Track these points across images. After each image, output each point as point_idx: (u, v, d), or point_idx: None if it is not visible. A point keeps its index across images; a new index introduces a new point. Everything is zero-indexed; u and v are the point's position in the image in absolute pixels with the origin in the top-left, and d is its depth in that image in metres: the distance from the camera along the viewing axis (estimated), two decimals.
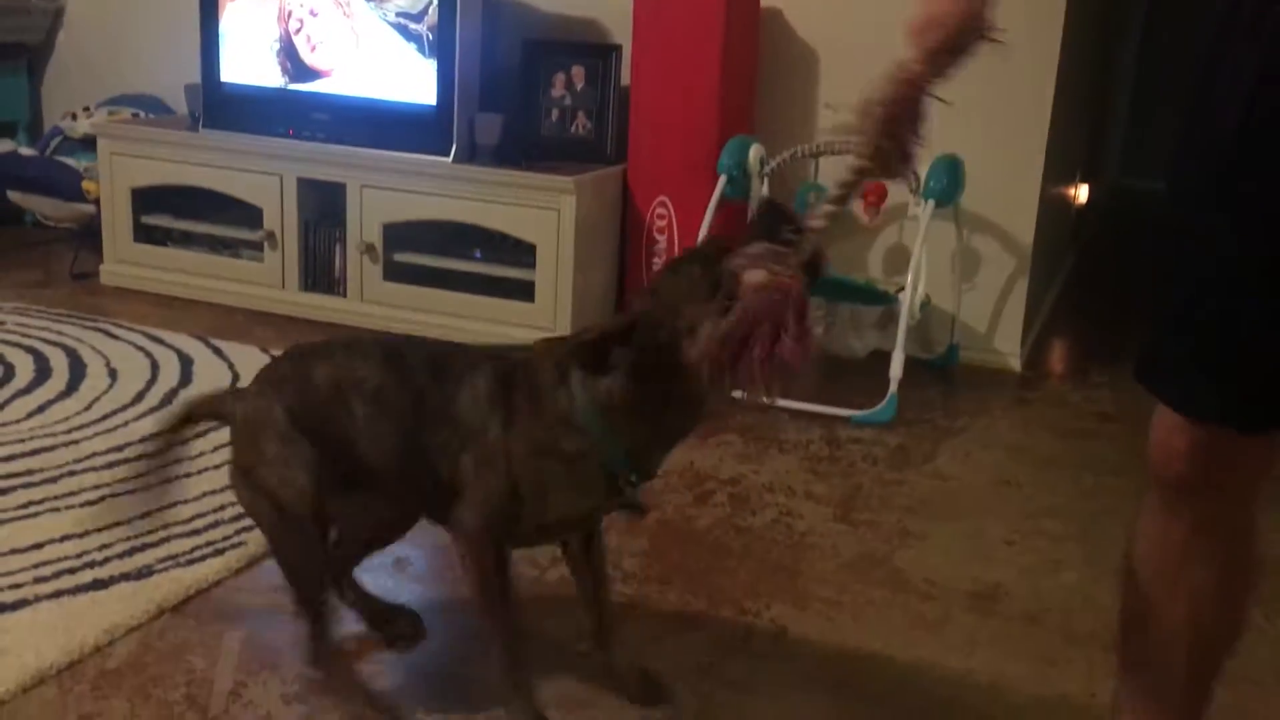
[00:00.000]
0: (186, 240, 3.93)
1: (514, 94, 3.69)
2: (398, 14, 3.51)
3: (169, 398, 2.90)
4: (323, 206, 3.68)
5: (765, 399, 1.40)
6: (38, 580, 2.00)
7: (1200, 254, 1.22)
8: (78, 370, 3.06)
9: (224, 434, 2.63)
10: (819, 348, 1.40)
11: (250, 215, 3.75)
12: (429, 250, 3.61)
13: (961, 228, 3.43)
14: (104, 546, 2.13)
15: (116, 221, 3.91)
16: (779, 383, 1.39)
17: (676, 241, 3.51)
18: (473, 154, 3.51)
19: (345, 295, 3.67)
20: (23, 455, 2.51)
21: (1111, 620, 1.92)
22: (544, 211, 3.38)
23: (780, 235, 1.43)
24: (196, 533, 2.20)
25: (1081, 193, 5.15)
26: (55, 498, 2.32)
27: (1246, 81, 1.15)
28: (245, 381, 3.03)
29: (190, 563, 2.09)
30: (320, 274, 3.72)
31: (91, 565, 2.06)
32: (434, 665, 1.89)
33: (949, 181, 3.17)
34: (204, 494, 2.36)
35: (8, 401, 2.83)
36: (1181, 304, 1.26)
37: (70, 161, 4.22)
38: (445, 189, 3.48)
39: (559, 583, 2.08)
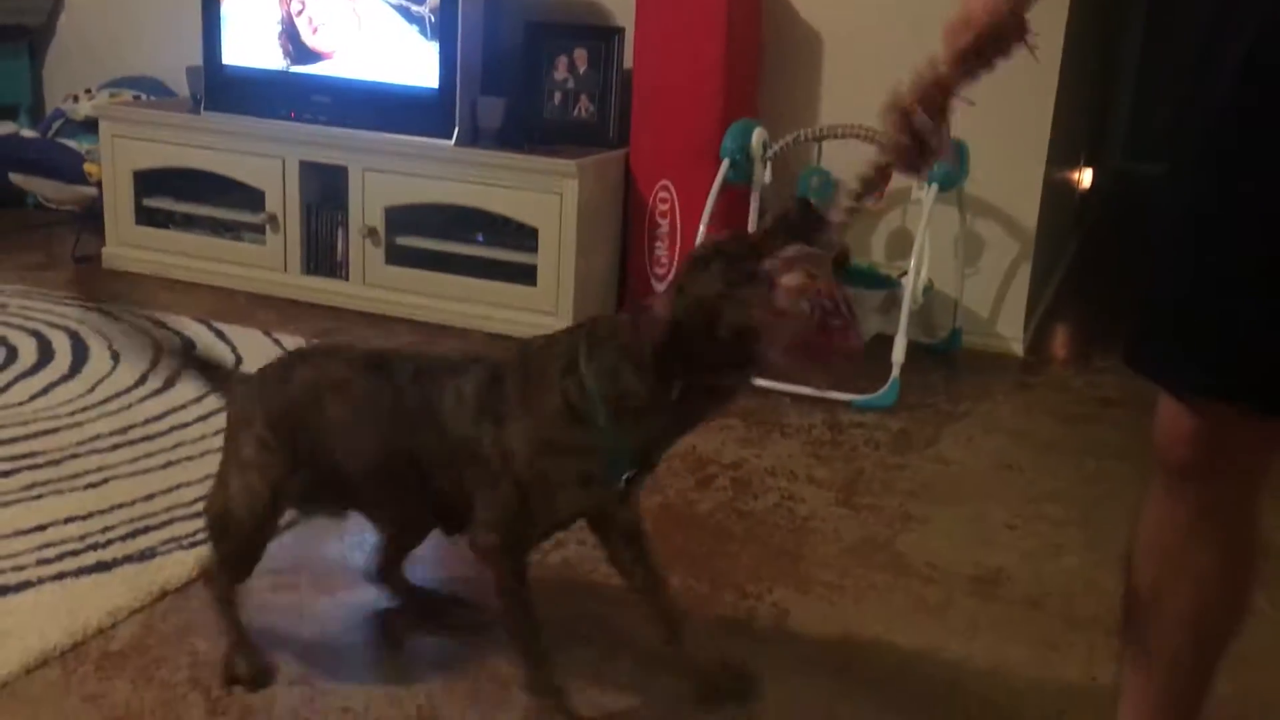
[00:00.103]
0: (188, 223, 3.92)
1: (516, 77, 3.68)
2: None
3: (171, 380, 2.89)
4: (325, 189, 3.68)
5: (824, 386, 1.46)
6: (41, 562, 2.00)
7: (1195, 235, 1.22)
8: (80, 353, 3.06)
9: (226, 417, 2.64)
10: (857, 340, 1.42)
11: (252, 198, 3.75)
12: (431, 234, 3.61)
13: (965, 212, 3.43)
14: (107, 529, 2.13)
15: (118, 204, 3.90)
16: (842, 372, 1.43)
17: (679, 225, 3.50)
18: (475, 137, 3.51)
19: (347, 279, 3.67)
20: (26, 438, 2.52)
21: (1113, 604, 1.92)
22: (546, 195, 3.38)
23: (808, 234, 1.42)
24: (199, 515, 2.20)
25: (1085, 177, 5.14)
26: (58, 480, 2.32)
27: (1236, 66, 1.15)
28: (247, 364, 3.04)
29: (193, 545, 2.09)
30: (322, 257, 3.72)
31: (95, 547, 2.06)
32: (438, 649, 1.89)
33: (953, 166, 3.16)
34: (206, 476, 2.35)
35: (10, 384, 2.83)
36: (1177, 285, 1.25)
37: (72, 144, 4.22)
38: (447, 172, 3.48)
39: (560, 565, 2.09)
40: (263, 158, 3.68)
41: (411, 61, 3.50)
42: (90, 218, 4.03)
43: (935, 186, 3.15)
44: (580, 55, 3.67)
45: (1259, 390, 1.19)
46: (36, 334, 3.18)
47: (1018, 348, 3.59)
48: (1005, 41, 1.34)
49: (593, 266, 3.51)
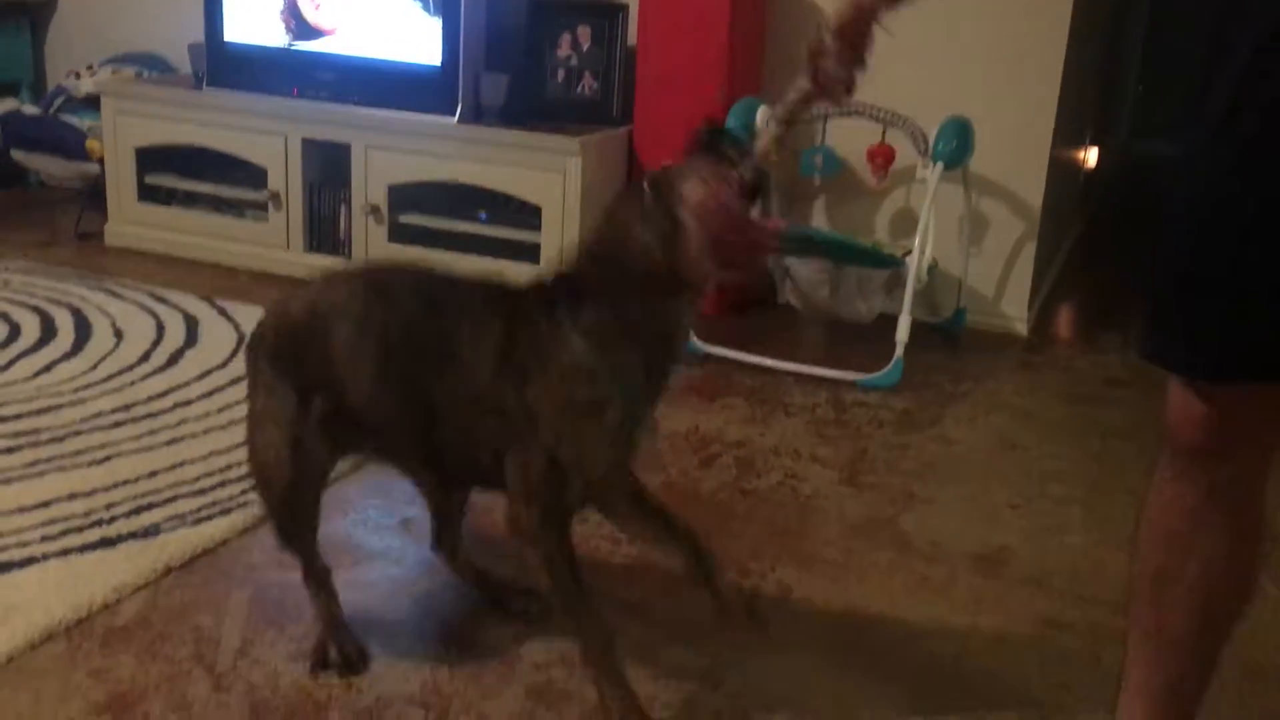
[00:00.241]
0: (190, 200, 3.91)
1: (519, 54, 3.66)
2: None
3: (174, 358, 2.90)
4: (327, 167, 3.67)
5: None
6: (45, 539, 2.01)
7: (1209, 201, 1.21)
8: (83, 330, 3.06)
9: (229, 393, 2.65)
10: (776, 234, 1.50)
11: (254, 175, 3.74)
12: (434, 212, 3.60)
13: (970, 191, 3.41)
14: (111, 505, 2.13)
15: (120, 181, 3.89)
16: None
17: None
18: (478, 114, 3.49)
19: (350, 256, 3.66)
20: (29, 414, 2.52)
21: (1116, 583, 1.93)
22: (549, 173, 3.37)
23: (720, 153, 1.50)
24: (203, 492, 2.20)
25: (1091, 156, 5.12)
26: (62, 457, 2.32)
27: (1252, 52, 1.14)
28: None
29: (197, 522, 2.09)
30: (325, 235, 3.71)
31: (99, 524, 2.07)
32: (441, 625, 1.90)
33: (958, 144, 3.14)
34: (210, 454, 2.36)
35: (14, 361, 2.83)
36: (1190, 256, 1.24)
37: (74, 121, 4.20)
38: (450, 150, 3.46)
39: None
40: (265, 135, 3.67)
41: (415, 38, 3.48)
42: (93, 195, 4.02)
43: (940, 165, 3.14)
44: (584, 32, 3.65)
45: (1274, 368, 1.20)
46: (39, 311, 3.18)
47: (1022, 327, 3.58)
48: None
49: None
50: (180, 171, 3.89)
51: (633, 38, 3.55)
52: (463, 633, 1.86)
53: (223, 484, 2.24)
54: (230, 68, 3.70)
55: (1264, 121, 1.15)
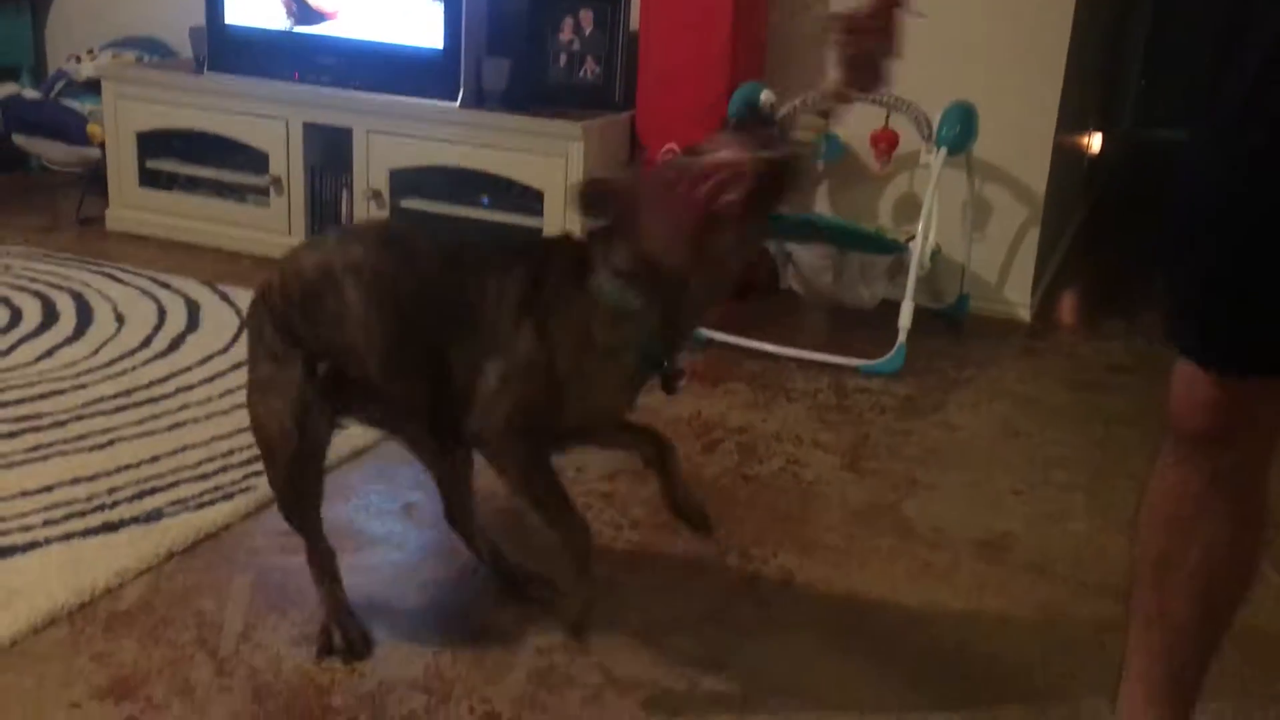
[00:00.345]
0: (192, 185, 3.91)
1: (522, 38, 3.65)
2: None
3: (176, 343, 2.89)
4: (329, 152, 3.66)
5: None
6: (48, 523, 2.01)
7: (1217, 192, 1.21)
8: (85, 315, 3.06)
9: (231, 378, 2.65)
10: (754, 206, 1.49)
11: (256, 160, 3.73)
12: (436, 196, 3.59)
13: (973, 176, 3.40)
14: (113, 490, 2.13)
15: (121, 166, 3.89)
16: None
17: None
18: (480, 99, 3.48)
19: None
20: (31, 399, 2.51)
21: (1119, 569, 1.93)
22: (551, 158, 3.36)
23: (753, 131, 1.49)
24: (205, 477, 2.20)
25: (1095, 142, 5.10)
26: (64, 441, 2.32)
27: (1268, 46, 1.14)
28: None
29: (199, 507, 2.09)
30: (327, 220, 3.70)
31: (101, 509, 2.07)
32: (443, 609, 1.90)
33: (961, 129, 3.13)
34: (212, 439, 2.36)
35: (15, 345, 2.83)
36: (1198, 249, 1.24)
37: (74, 105, 4.19)
38: (452, 134, 3.45)
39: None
40: (266, 119, 3.66)
41: (416, 22, 3.47)
42: (94, 179, 4.01)
43: (944, 150, 3.13)
44: (586, 16, 3.64)
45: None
46: (41, 296, 3.17)
47: (1025, 314, 3.57)
48: None
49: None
50: (181, 156, 3.89)
51: (635, 22, 3.54)
52: (465, 617, 1.86)
53: (224, 469, 2.24)
54: (231, 52, 3.69)
55: (1273, 133, 1.14)
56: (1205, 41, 1.24)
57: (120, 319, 3.04)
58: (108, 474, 2.19)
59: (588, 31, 3.63)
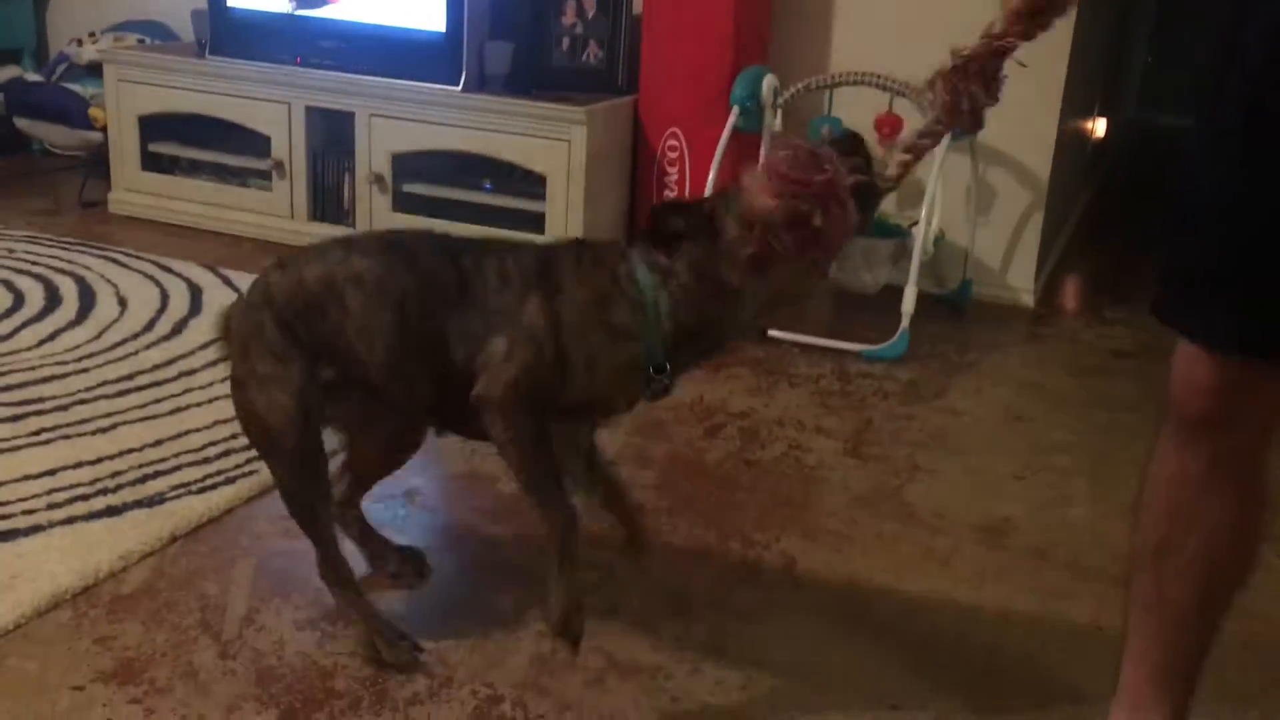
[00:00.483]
0: (194, 169, 3.90)
1: (524, 22, 3.63)
2: None
3: (179, 327, 2.90)
4: (331, 135, 3.65)
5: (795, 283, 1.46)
6: (51, 506, 2.01)
7: (1221, 186, 1.21)
8: (87, 299, 3.06)
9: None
10: (853, 227, 1.46)
11: (258, 144, 3.72)
12: (438, 181, 3.59)
13: (977, 161, 3.39)
14: (116, 474, 2.14)
15: (123, 149, 3.88)
16: (814, 257, 1.45)
17: (688, 173, 3.47)
18: (482, 83, 3.47)
19: (354, 225, 3.65)
20: (34, 383, 2.52)
21: (1120, 555, 1.93)
22: (554, 142, 3.35)
23: (846, 151, 1.45)
24: (208, 461, 2.21)
25: (1099, 126, 5.09)
26: (66, 425, 2.32)
27: (1260, 57, 1.15)
28: None
29: (202, 490, 2.10)
30: (329, 204, 3.70)
31: (104, 492, 2.07)
32: (445, 595, 1.90)
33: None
34: (215, 423, 2.36)
35: (18, 329, 2.83)
36: (1201, 236, 1.25)
37: (76, 88, 4.18)
38: (454, 118, 3.45)
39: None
40: (268, 103, 3.65)
41: (419, 5, 3.46)
42: (96, 163, 4.01)
43: (948, 135, 3.11)
44: (589, 0, 3.63)
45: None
46: (43, 280, 3.17)
47: (1028, 299, 3.57)
48: (1061, 1, 1.34)
49: (601, 214, 3.49)
50: (183, 140, 3.88)
51: (638, 6, 3.53)
52: (467, 602, 1.87)
53: (227, 453, 2.24)
54: (233, 35, 3.68)
55: (1276, 117, 1.14)
56: (1209, 29, 1.24)
57: (123, 303, 3.04)
58: (110, 458, 2.20)
59: (591, 15, 3.62)
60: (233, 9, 3.67)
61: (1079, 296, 3.92)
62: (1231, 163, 1.20)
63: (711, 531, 2.10)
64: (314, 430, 1.65)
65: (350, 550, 1.82)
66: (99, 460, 2.18)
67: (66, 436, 2.28)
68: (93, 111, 4.00)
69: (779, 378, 2.85)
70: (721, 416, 2.60)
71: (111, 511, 2.01)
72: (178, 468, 2.18)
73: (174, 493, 2.09)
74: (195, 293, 3.15)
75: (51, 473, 2.13)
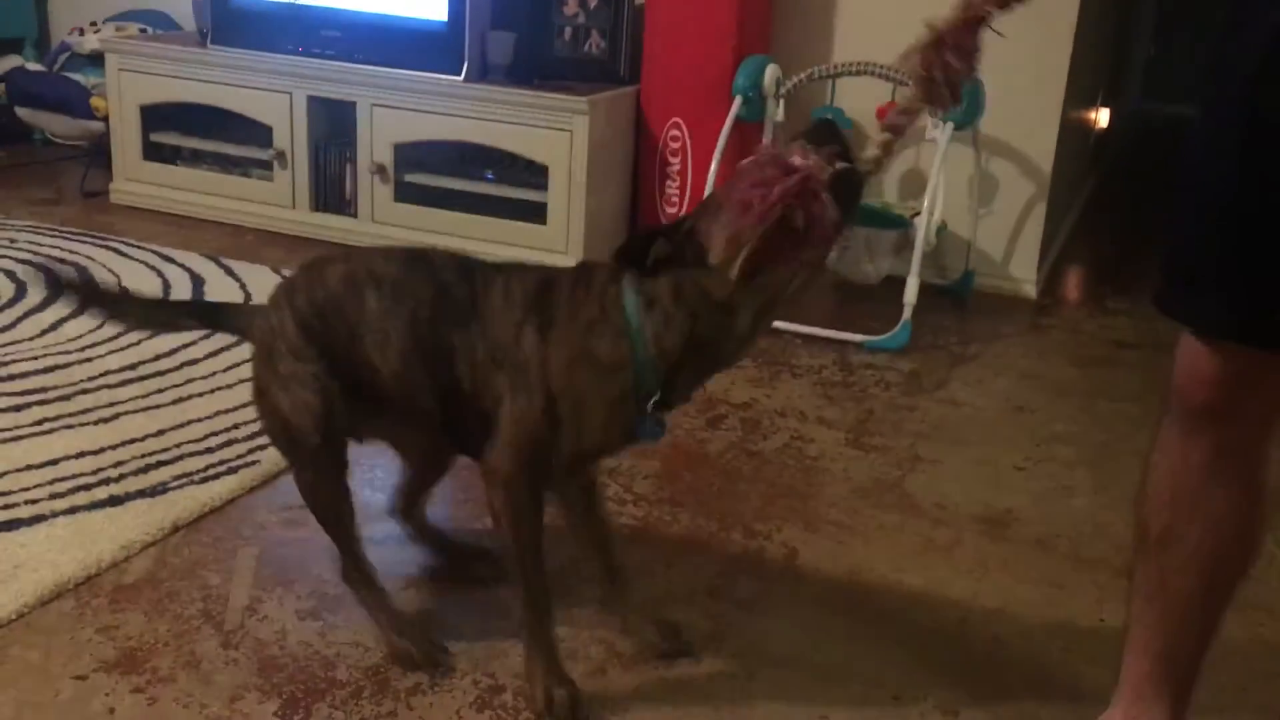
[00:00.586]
0: (196, 159, 3.90)
1: (526, 12, 3.62)
2: None
3: None
4: (333, 125, 3.65)
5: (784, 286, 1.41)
6: (53, 496, 2.02)
7: (1221, 178, 1.21)
8: None
9: (236, 353, 2.65)
10: (838, 232, 1.41)
11: (260, 134, 3.72)
12: (440, 171, 3.58)
13: (980, 152, 3.39)
14: (118, 464, 2.14)
15: (125, 139, 3.88)
16: (805, 257, 1.40)
17: (690, 163, 3.47)
18: (484, 73, 3.47)
19: (356, 216, 3.65)
20: (36, 372, 2.52)
21: (1121, 545, 1.93)
22: (556, 132, 3.35)
23: (822, 141, 1.40)
24: (210, 450, 2.21)
25: (1102, 117, 5.07)
26: (69, 415, 2.32)
27: (1267, 42, 1.14)
28: (256, 301, 3.03)
29: (205, 480, 2.10)
30: (331, 194, 3.70)
31: (106, 482, 2.07)
32: (446, 585, 1.91)
33: (968, 104, 3.11)
34: (217, 413, 2.37)
35: (21, 319, 2.83)
36: (1203, 227, 1.24)
37: (78, 78, 4.18)
38: (457, 108, 3.44)
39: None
40: (270, 93, 3.64)
41: None
42: (98, 153, 4.01)
43: (950, 125, 3.11)
44: None
45: None
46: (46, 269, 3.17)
47: (1030, 290, 3.56)
48: None
49: (603, 205, 3.48)
50: (185, 129, 3.88)
51: None
52: (469, 592, 1.87)
53: (229, 443, 2.24)
54: (235, 24, 3.68)
55: (1274, 125, 1.14)
56: (1212, 21, 1.24)
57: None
58: (113, 448, 2.20)
59: (593, 5, 3.61)
60: None
61: (1081, 287, 3.91)
62: (1231, 155, 1.20)
63: (713, 522, 2.11)
64: (337, 429, 1.65)
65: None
66: (101, 450, 2.18)
67: (69, 426, 2.28)
68: (94, 101, 4.00)
69: (781, 368, 2.85)
70: (723, 407, 2.60)
71: (114, 501, 2.01)
72: (180, 457, 2.18)
73: (176, 482, 2.09)
74: (197, 283, 3.15)
75: (54, 462, 2.13)
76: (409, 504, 1.93)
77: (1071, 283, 3.90)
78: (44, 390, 2.43)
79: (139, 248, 3.41)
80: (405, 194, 3.59)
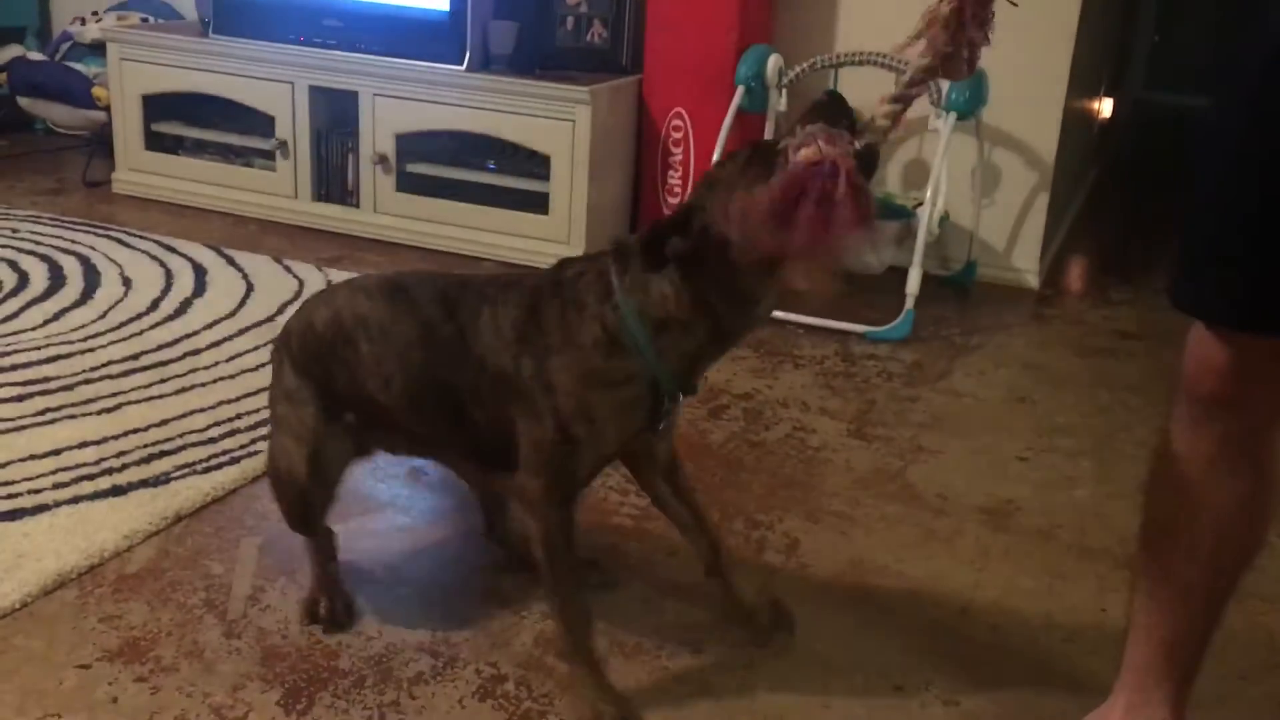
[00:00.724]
0: (198, 148, 3.90)
1: (529, 1, 3.61)
2: None
3: (183, 307, 2.90)
4: (335, 115, 3.65)
5: (817, 280, 1.36)
6: (57, 486, 2.02)
7: (1233, 168, 1.21)
8: (91, 279, 3.06)
9: (238, 343, 2.66)
10: (871, 220, 1.35)
11: (262, 123, 3.71)
12: (442, 161, 3.58)
13: (983, 142, 3.38)
14: (121, 454, 2.14)
15: (127, 129, 3.88)
16: (830, 252, 1.34)
17: (693, 153, 3.47)
18: (486, 63, 3.46)
19: (358, 206, 3.65)
20: (39, 363, 2.52)
21: (1123, 536, 1.93)
22: (558, 122, 3.34)
23: (838, 124, 1.37)
24: (213, 441, 2.21)
25: (1105, 107, 5.06)
26: (71, 405, 2.33)
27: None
28: (258, 291, 3.04)
29: (207, 470, 2.10)
30: (333, 184, 3.70)
31: (109, 472, 2.07)
32: (448, 575, 1.91)
33: (971, 94, 3.11)
34: (219, 403, 2.37)
35: (23, 309, 2.83)
36: (1214, 217, 1.24)
37: (80, 67, 4.18)
38: (458, 98, 3.44)
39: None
40: (272, 82, 3.64)
41: None
42: (100, 142, 4.00)
43: (953, 115, 3.11)
44: None
45: None
46: (47, 259, 3.17)
47: (1033, 280, 3.56)
48: None
49: (605, 195, 3.48)
50: (187, 119, 3.88)
51: None
52: (471, 582, 1.87)
53: (232, 433, 2.24)
54: (236, 14, 3.67)
55: None
56: (1219, 4, 1.24)
57: (127, 283, 3.04)
58: (115, 438, 2.20)
59: None
60: None
61: (1084, 278, 3.91)
62: (1241, 147, 1.19)
63: (715, 512, 2.10)
64: (320, 475, 1.68)
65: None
66: (104, 440, 2.19)
67: (72, 416, 2.28)
68: (96, 90, 4.00)
69: (783, 359, 2.85)
70: (725, 398, 2.60)
71: (116, 491, 2.02)
72: (182, 448, 2.18)
73: (179, 472, 2.09)
74: (199, 273, 3.15)
75: (56, 452, 2.13)
76: (494, 519, 1.93)
77: (1074, 273, 3.89)
78: (47, 380, 2.44)
79: (141, 237, 3.41)
80: (407, 184, 3.59)
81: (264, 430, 2.06)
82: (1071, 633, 1.81)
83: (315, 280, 3.13)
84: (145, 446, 2.17)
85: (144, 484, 2.04)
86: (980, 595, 1.90)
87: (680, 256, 1.42)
